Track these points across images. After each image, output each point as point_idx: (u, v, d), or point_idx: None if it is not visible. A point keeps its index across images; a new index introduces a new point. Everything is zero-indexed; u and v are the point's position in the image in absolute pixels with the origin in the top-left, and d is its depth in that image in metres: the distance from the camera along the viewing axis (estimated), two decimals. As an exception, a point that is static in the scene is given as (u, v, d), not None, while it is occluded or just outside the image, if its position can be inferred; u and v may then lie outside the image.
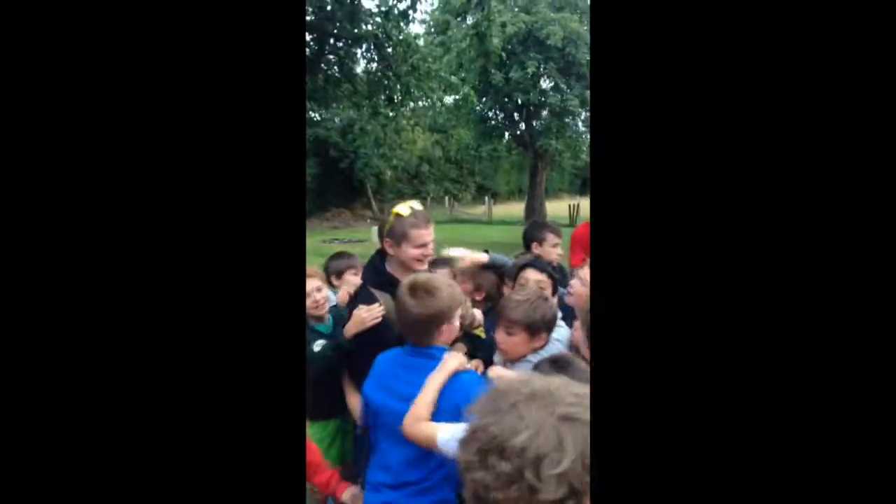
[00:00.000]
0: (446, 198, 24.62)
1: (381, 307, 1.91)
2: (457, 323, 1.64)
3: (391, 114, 12.60)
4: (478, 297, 2.24)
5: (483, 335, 2.13)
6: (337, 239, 13.50)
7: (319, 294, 2.26)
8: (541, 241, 2.74)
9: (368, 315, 1.90)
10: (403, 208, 1.98)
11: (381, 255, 2.06)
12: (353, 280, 2.46)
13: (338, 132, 18.21)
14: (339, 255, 2.73)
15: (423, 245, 1.96)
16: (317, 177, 17.67)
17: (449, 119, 18.70)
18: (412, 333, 1.64)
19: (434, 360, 1.58)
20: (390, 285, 1.91)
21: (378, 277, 2.03)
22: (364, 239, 12.83)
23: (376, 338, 1.87)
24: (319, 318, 2.28)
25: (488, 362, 1.94)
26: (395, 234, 1.96)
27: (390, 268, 2.04)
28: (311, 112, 17.43)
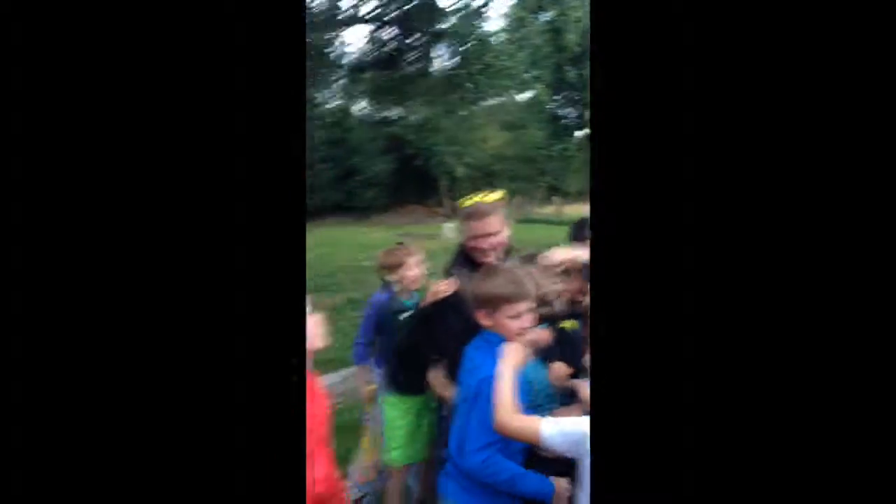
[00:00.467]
0: (516, 197, 24.45)
1: (454, 282, 2.01)
2: (512, 316, 1.60)
3: (464, 112, 12.64)
4: (580, 298, 2.19)
5: (570, 327, 2.12)
6: (409, 234, 13.77)
7: (413, 271, 2.48)
8: (585, 239, 2.63)
9: (440, 288, 2.00)
10: (470, 199, 2.06)
11: None
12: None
13: (413, 129, 18.57)
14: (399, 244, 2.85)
15: (475, 237, 2.02)
16: (393, 173, 18.02)
17: (521, 117, 18.58)
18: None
19: (487, 343, 1.64)
20: (473, 264, 2.02)
21: (463, 258, 2.12)
22: (434, 234, 13.02)
23: (445, 311, 1.96)
24: (408, 294, 2.48)
25: (575, 359, 1.94)
26: (466, 215, 2.06)
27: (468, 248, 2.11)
28: (386, 111, 17.82)
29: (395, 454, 2.41)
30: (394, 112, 17.81)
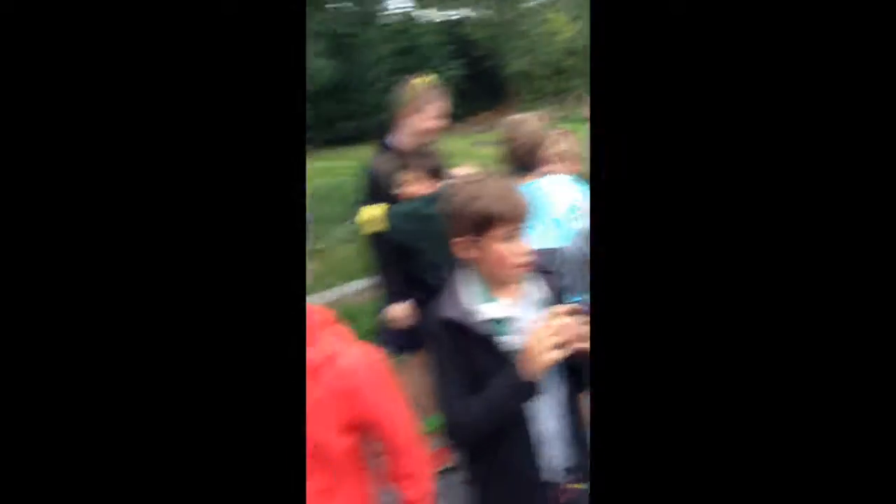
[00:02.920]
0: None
1: None
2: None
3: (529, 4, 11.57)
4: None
5: None
6: (484, 141, 13.45)
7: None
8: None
9: None
10: (427, 83, 2.23)
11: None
12: None
13: (480, 27, 17.47)
14: None
15: (433, 120, 2.22)
16: (463, 79, 17.31)
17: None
18: None
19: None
20: (388, 149, 2.26)
21: (383, 142, 2.33)
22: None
23: None
24: None
25: None
26: (407, 103, 2.23)
27: (391, 138, 2.32)
28: (450, 10, 16.75)
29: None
30: (459, 11, 16.78)
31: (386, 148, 2.31)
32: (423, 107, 2.23)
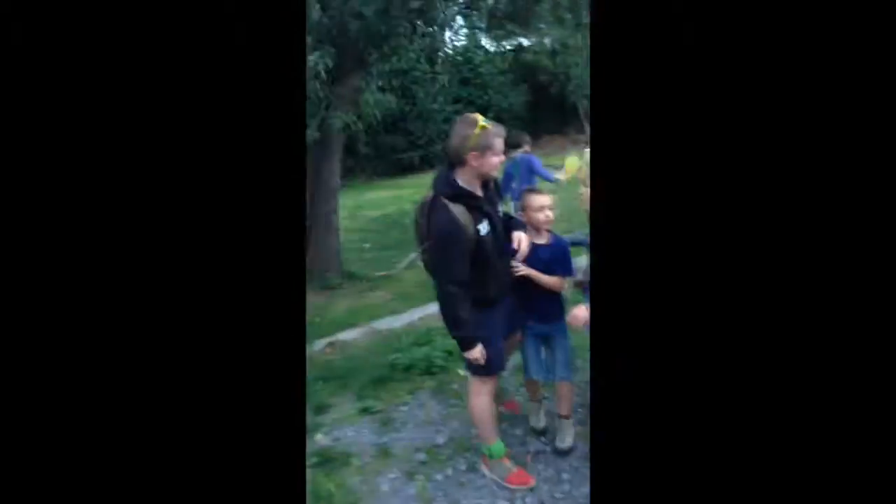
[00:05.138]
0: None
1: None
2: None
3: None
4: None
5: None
6: (550, 165, 13.23)
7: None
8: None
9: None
10: (486, 122, 2.13)
11: (451, 167, 2.20)
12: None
13: (547, 55, 17.54)
14: None
15: (502, 153, 2.16)
16: (528, 104, 17.38)
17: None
18: None
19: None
20: (463, 197, 2.14)
21: (451, 190, 2.16)
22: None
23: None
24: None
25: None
26: (481, 145, 2.11)
27: (461, 181, 2.17)
28: (519, 38, 16.93)
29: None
30: (524, 39, 16.93)
31: (452, 186, 2.19)
32: (487, 146, 2.12)
